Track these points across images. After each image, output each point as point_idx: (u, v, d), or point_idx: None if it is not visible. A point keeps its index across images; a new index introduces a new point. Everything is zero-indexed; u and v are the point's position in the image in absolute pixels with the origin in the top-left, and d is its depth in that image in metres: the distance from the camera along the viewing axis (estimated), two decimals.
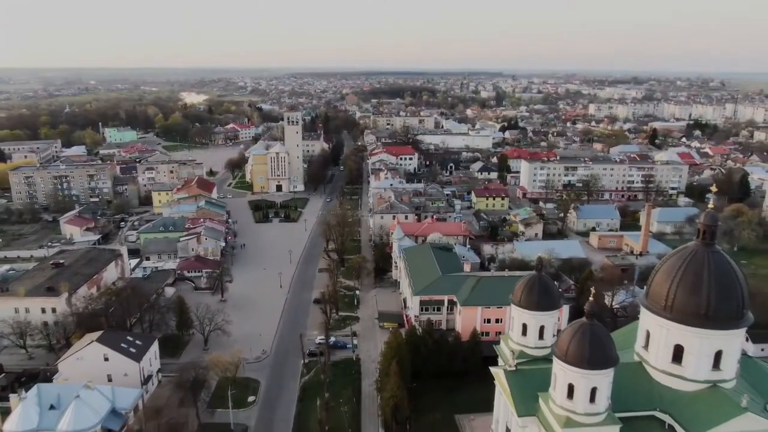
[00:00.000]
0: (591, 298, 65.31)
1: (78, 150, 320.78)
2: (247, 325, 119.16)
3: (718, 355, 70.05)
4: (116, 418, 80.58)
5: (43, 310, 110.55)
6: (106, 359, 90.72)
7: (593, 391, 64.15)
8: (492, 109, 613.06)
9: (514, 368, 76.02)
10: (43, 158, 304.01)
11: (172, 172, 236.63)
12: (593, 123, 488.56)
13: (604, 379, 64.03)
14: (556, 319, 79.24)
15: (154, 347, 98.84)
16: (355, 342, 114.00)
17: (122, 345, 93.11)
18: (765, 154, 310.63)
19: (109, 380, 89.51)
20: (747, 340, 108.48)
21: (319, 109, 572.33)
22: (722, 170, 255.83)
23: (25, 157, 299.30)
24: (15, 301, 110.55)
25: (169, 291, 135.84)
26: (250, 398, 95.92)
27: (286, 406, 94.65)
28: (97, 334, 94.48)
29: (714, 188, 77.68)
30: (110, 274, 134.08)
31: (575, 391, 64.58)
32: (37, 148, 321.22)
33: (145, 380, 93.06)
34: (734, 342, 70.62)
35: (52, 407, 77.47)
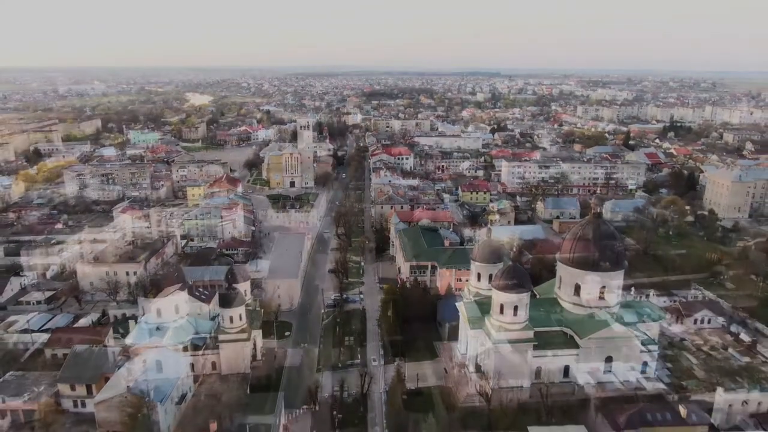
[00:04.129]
0: (514, 250, 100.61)
1: (110, 150, 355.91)
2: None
3: (602, 290, 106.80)
4: (199, 339, 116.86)
5: (127, 273, 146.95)
6: (186, 302, 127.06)
7: (515, 308, 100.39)
8: (486, 111, 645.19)
9: (471, 301, 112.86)
10: (78, 158, 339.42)
11: (201, 170, 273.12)
12: (578, 125, 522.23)
13: (522, 300, 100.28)
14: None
15: (216, 296, 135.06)
16: (361, 297, 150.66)
17: (196, 293, 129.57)
18: (724, 154, 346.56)
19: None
20: (653, 293, 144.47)
21: (322, 110, 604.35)
22: (679, 168, 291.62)
23: (63, 157, 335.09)
24: (107, 267, 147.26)
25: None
26: (287, 333, 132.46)
27: (313, 337, 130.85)
28: (177, 286, 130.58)
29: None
30: (169, 249, 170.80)
31: (504, 308, 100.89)
32: (72, 148, 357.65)
33: (212, 318, 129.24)
34: (613, 281, 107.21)
35: (157, 329, 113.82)
